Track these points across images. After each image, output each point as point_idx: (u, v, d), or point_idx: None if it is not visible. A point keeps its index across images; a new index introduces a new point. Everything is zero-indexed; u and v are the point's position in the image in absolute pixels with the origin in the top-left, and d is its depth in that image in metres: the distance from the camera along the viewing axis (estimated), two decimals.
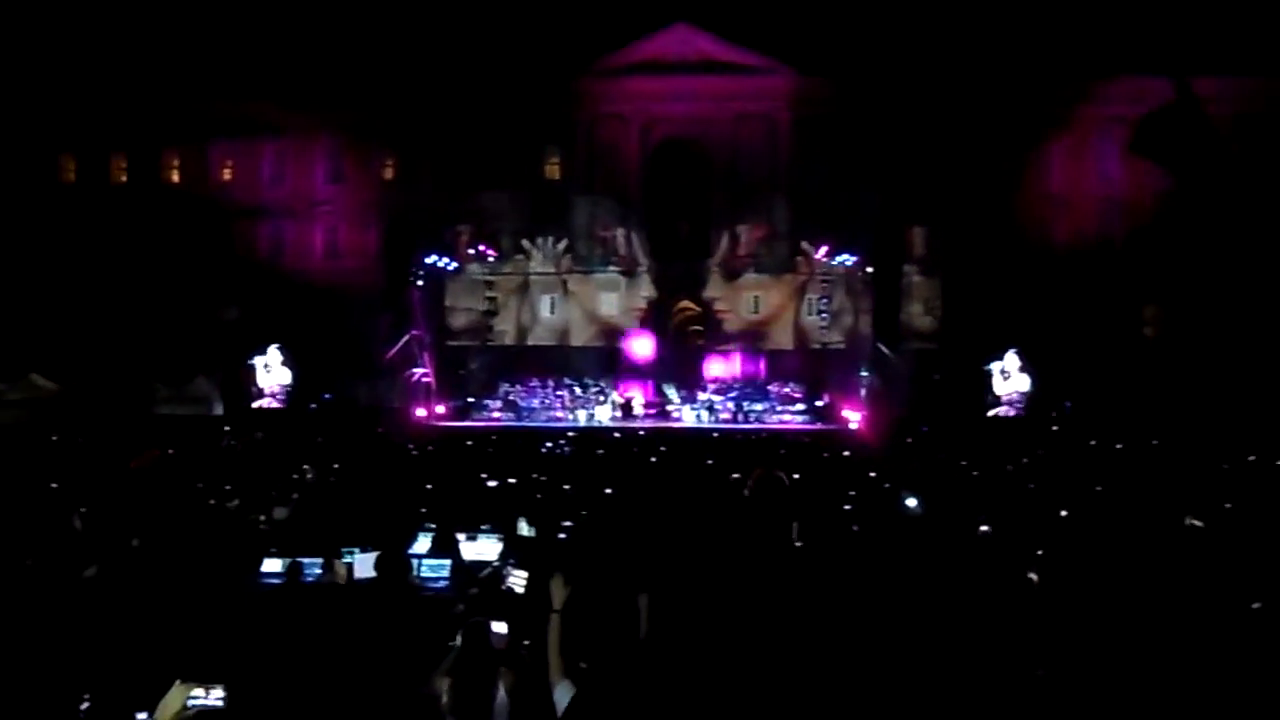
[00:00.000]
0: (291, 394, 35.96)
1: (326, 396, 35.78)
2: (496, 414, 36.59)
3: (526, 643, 5.24)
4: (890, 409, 33.59)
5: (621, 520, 10.73)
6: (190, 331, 37.77)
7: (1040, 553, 8.41)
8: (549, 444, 23.56)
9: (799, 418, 35.69)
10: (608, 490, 13.55)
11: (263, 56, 40.08)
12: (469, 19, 39.94)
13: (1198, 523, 9.83)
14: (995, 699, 4.64)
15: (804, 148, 40.67)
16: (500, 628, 5.38)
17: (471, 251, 39.56)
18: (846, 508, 11.59)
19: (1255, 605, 5.97)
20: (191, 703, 3.15)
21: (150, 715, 3.40)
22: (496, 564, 8.20)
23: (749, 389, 37.76)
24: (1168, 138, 31.87)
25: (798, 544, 7.84)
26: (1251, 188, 36.49)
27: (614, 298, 40.61)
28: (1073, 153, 41.38)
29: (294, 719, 4.36)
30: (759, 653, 4.10)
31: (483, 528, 9.83)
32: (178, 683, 3.25)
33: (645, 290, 40.52)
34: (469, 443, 24.37)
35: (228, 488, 13.06)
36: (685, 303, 41.89)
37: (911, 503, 11.63)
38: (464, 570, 8.77)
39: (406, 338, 36.20)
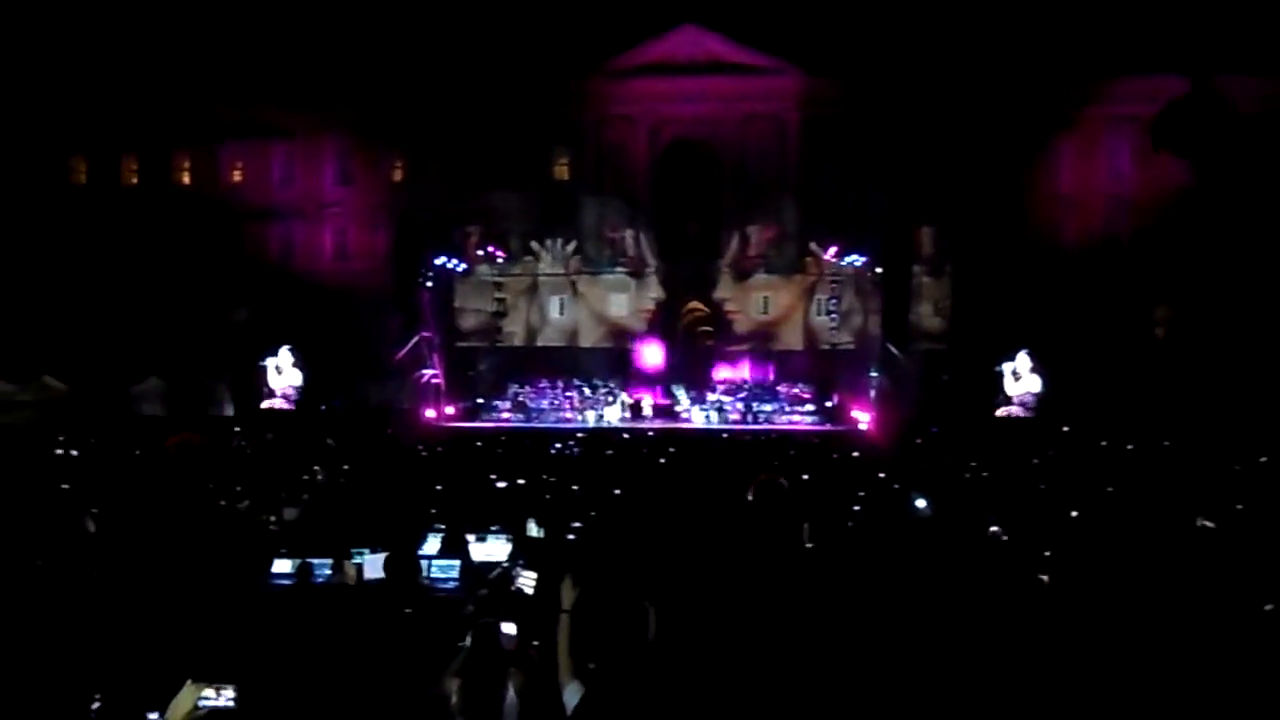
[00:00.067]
0: (302, 395, 36.06)
1: (335, 403, 35.82)
2: (506, 415, 36.63)
3: (536, 643, 5.24)
4: (900, 410, 33.53)
5: (630, 521, 10.72)
6: (200, 333, 37.91)
7: (1050, 554, 8.38)
8: (558, 445, 23.57)
9: (808, 418, 35.65)
10: (617, 491, 13.55)
11: (272, 59, 40.22)
12: (477, 20, 40.01)
13: (1209, 524, 9.79)
14: (1006, 700, 4.62)
15: (813, 148, 40.63)
16: (510, 628, 5.38)
17: (481, 253, 39.62)
18: (856, 509, 11.56)
19: (1268, 607, 5.95)
20: (202, 703, 3.16)
21: (161, 715, 3.41)
22: (506, 565, 8.19)
23: (758, 390, 37.73)
24: (1189, 129, 31.78)
25: (809, 545, 7.82)
26: (1263, 186, 36.35)
27: (623, 299, 40.65)
28: (1082, 152, 41.26)
29: (305, 719, 4.37)
30: (767, 655, 4.09)
31: (492, 529, 9.83)
32: (189, 683, 3.25)
33: (654, 291, 40.54)
34: (478, 444, 24.40)
35: (238, 488, 13.09)
36: (694, 303, 41.89)
37: (921, 504, 11.61)
38: (473, 571, 8.78)
39: (416, 339, 36.27)
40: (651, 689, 3.48)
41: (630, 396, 36.93)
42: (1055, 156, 40.90)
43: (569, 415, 36.26)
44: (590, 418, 35.75)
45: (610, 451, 21.80)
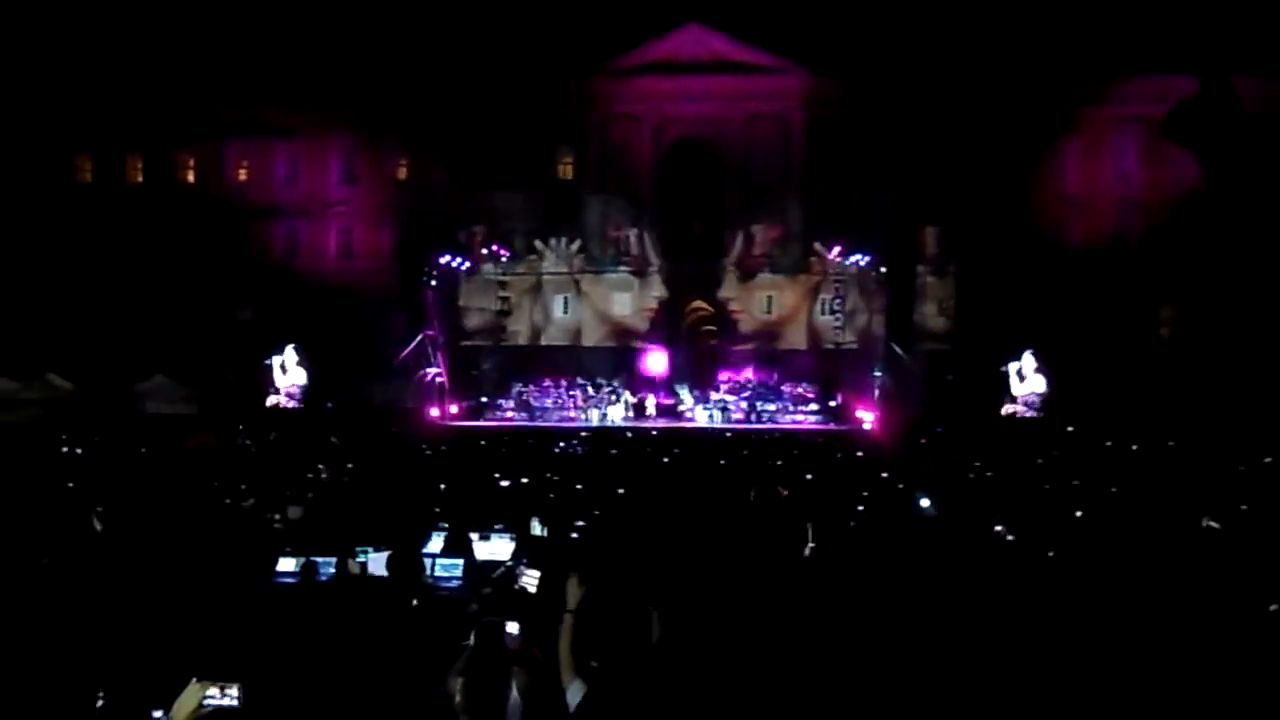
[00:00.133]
0: (307, 394, 36.10)
1: (331, 404, 35.82)
2: (509, 414, 36.64)
3: (540, 643, 5.25)
4: (904, 409, 33.50)
5: (634, 521, 10.73)
6: (205, 331, 37.97)
7: (1055, 554, 8.37)
8: (562, 444, 23.59)
9: (812, 418, 35.63)
10: (620, 490, 13.56)
11: (278, 58, 40.26)
12: (481, 19, 40.02)
13: (1215, 524, 9.77)
14: (1011, 698, 4.62)
15: (817, 148, 40.59)
16: (513, 627, 5.38)
17: (485, 251, 39.63)
18: (860, 509, 11.55)
19: (1272, 607, 5.94)
20: (207, 701, 3.16)
21: (166, 713, 3.41)
22: (509, 563, 8.19)
23: (762, 389, 37.71)
24: (1199, 125, 31.77)
25: (811, 545, 7.81)
26: (1270, 187, 36.27)
27: (626, 298, 40.65)
28: (1088, 152, 41.18)
29: (309, 718, 4.38)
30: (770, 655, 4.10)
31: (496, 527, 9.84)
32: (194, 681, 3.26)
33: (657, 290, 40.54)
34: (482, 442, 24.42)
35: (243, 487, 13.11)
36: (698, 303, 41.88)
37: (925, 503, 11.60)
38: (477, 570, 8.78)
39: (420, 338, 36.30)
40: (653, 689, 3.49)
41: (634, 396, 36.95)
42: (1061, 156, 40.83)
43: (572, 414, 36.27)
44: (594, 417, 35.76)
45: (614, 450, 21.80)
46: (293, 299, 39.15)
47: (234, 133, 42.36)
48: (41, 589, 6.84)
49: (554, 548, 8.98)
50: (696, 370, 39.50)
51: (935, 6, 38.91)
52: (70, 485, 13.56)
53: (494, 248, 39.61)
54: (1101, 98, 39.49)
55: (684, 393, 37.65)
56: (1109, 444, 23.89)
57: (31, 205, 41.33)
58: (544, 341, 40.56)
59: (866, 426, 32.97)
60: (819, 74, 39.99)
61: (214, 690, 3.19)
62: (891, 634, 5.39)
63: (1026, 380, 34.38)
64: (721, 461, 19.06)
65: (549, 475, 15.48)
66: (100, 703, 4.61)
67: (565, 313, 40.76)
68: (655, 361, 39.26)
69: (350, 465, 17.35)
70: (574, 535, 9.78)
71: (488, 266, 39.92)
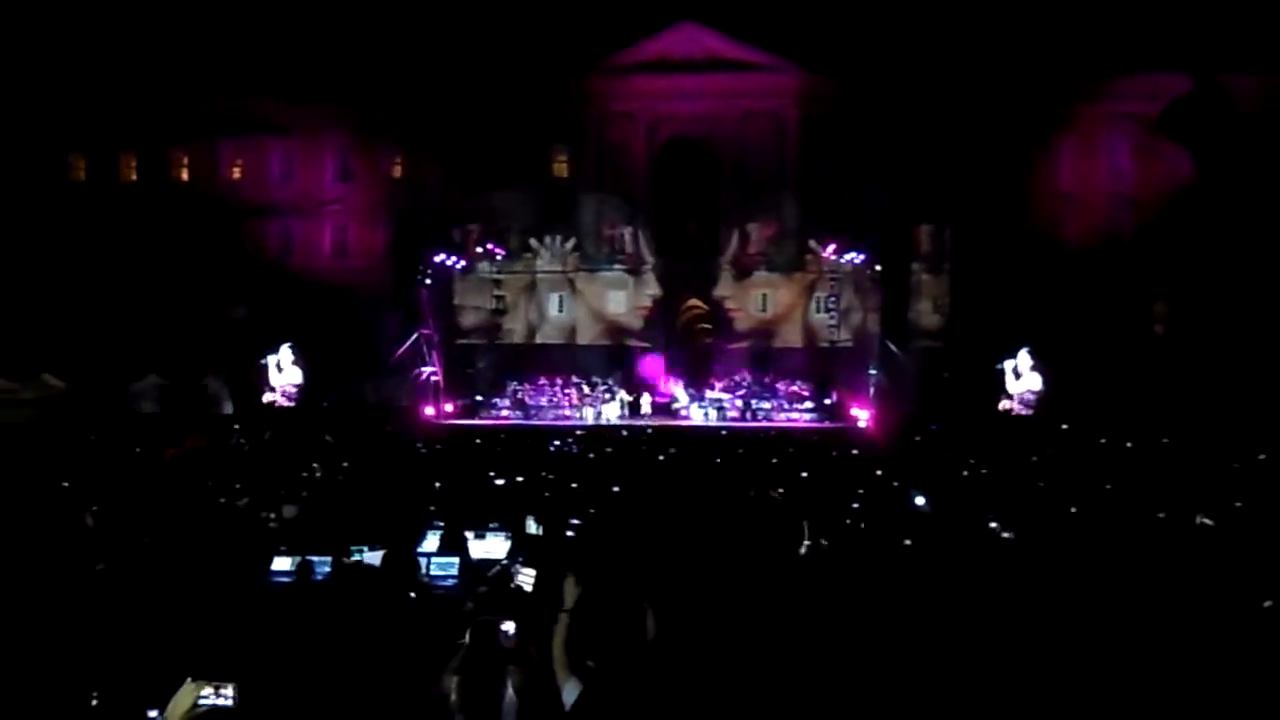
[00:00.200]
0: (303, 393, 36.06)
1: (334, 399, 35.78)
2: (505, 412, 36.64)
3: (535, 642, 5.25)
4: (899, 407, 33.56)
5: (629, 519, 10.73)
6: (199, 330, 37.89)
7: (1049, 551, 8.39)
8: (557, 442, 23.58)
9: (807, 416, 35.67)
10: (616, 488, 13.56)
11: (271, 55, 40.18)
12: (476, 17, 39.96)
13: (1209, 521, 9.80)
14: (1005, 697, 4.63)
15: (812, 146, 40.61)
16: (509, 626, 5.38)
17: (480, 250, 39.61)
18: (855, 506, 11.57)
19: (1267, 604, 5.95)
20: (202, 701, 3.15)
21: (161, 713, 3.41)
22: (505, 562, 8.19)
23: (757, 387, 37.74)
24: (1193, 122, 31.84)
25: (806, 543, 7.82)
26: (1264, 184, 36.35)
27: (621, 296, 40.68)
28: (1082, 150, 41.24)
29: (304, 717, 4.38)
30: (766, 653, 4.10)
31: (491, 526, 9.83)
32: (188, 681, 3.25)
33: (651, 289, 40.57)
34: (477, 441, 24.42)
35: (237, 486, 13.09)
36: (693, 301, 41.90)
37: (920, 501, 11.62)
38: (472, 568, 8.78)
39: (415, 336, 36.29)
40: (649, 688, 3.49)
41: (629, 394, 36.97)
42: (1055, 154, 40.88)
43: (568, 413, 36.28)
44: (589, 415, 35.77)
45: (609, 449, 21.81)
46: (287, 298, 39.09)
47: (228, 131, 42.27)
48: (36, 588, 6.82)
49: (549, 546, 8.98)
50: (691, 368, 39.53)
51: (929, 4, 38.94)
52: (64, 485, 13.52)
53: (489, 246, 39.60)
54: (1095, 95, 39.54)
55: (679, 391, 37.67)
56: (1103, 441, 23.94)
57: (25, 203, 41.21)
58: (539, 340, 40.58)
59: (861, 424, 33.02)
60: (813, 72, 39.99)
61: (208, 690, 3.18)
62: (887, 632, 5.40)
63: (1022, 378, 34.44)
64: (717, 460, 19.07)
65: (544, 474, 15.48)
66: (95, 702, 4.61)
67: (560, 311, 40.78)
68: (654, 367, 39.38)
69: (345, 464, 17.34)
70: (569, 534, 9.77)
71: (483, 265, 39.90)
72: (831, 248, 37.52)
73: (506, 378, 38.69)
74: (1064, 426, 29.19)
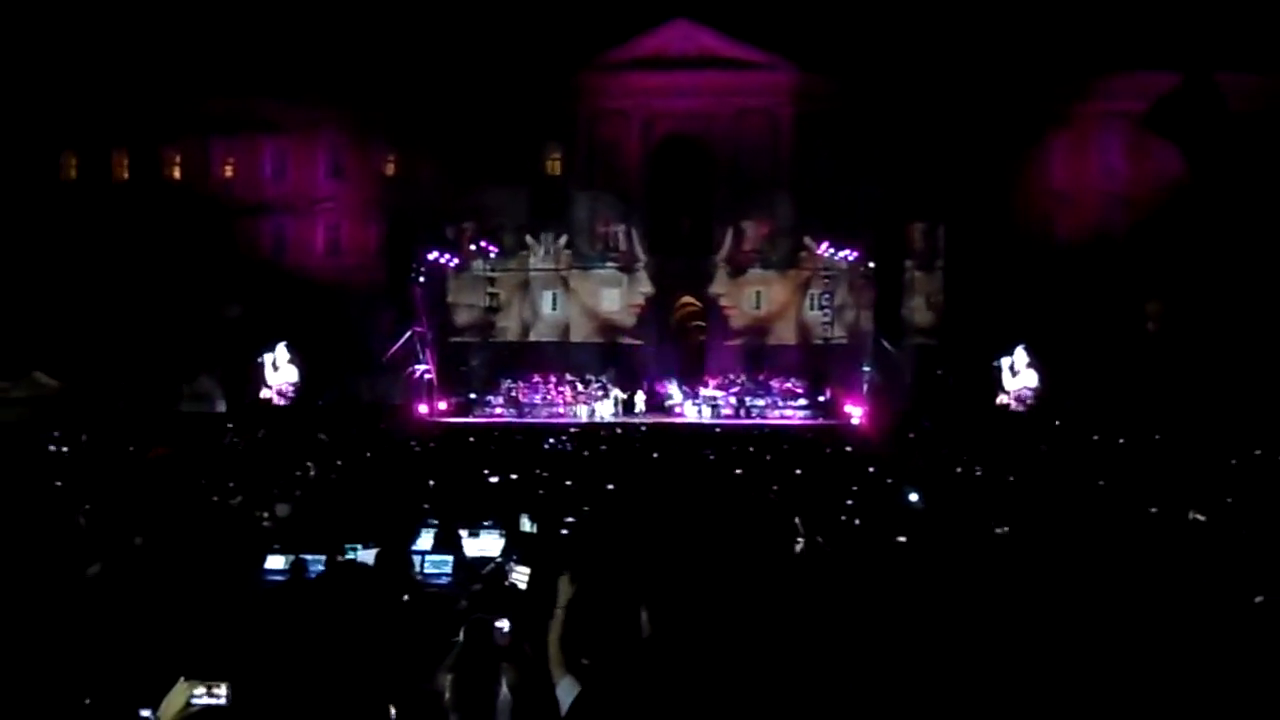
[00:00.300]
0: (299, 391, 36.00)
1: (328, 397, 35.72)
2: (498, 410, 36.63)
3: (529, 639, 5.24)
4: (892, 404, 33.63)
5: (624, 516, 10.73)
6: (193, 329, 37.80)
7: (1042, 547, 8.41)
8: (551, 440, 23.57)
9: (801, 413, 35.72)
10: (610, 486, 13.56)
11: (264, 53, 40.07)
12: (470, 14, 39.90)
13: (1201, 517, 9.83)
14: (997, 694, 4.64)
15: (806, 143, 40.63)
16: (503, 624, 5.38)
17: (474, 248, 39.58)
18: (849, 503, 11.58)
19: (1258, 599, 5.97)
20: (195, 700, 3.15)
21: (154, 712, 3.40)
22: (499, 560, 8.19)
23: (751, 385, 37.78)
24: (1183, 118, 31.91)
25: (800, 540, 7.84)
26: (1255, 182, 36.45)
27: (615, 294, 40.67)
28: (1075, 148, 41.32)
29: (297, 716, 4.37)
30: (761, 652, 4.10)
31: (485, 524, 9.82)
32: (181, 680, 3.25)
33: (645, 286, 40.57)
34: (471, 439, 24.39)
35: (231, 485, 13.06)
36: (687, 299, 41.90)
37: (914, 498, 11.65)
38: (466, 566, 8.77)
39: (409, 334, 36.26)
40: (645, 686, 3.49)
41: (623, 392, 36.99)
42: (1048, 152, 40.96)
43: (561, 410, 36.28)
44: (583, 413, 35.76)
45: (603, 447, 21.80)
46: (280, 296, 39.01)
47: (220, 129, 42.16)
48: (28, 588, 6.80)
49: (543, 544, 8.97)
50: (685, 366, 39.54)
51: (923, 3, 38.97)
52: (57, 484, 13.48)
53: (483, 243, 39.57)
54: (1087, 93, 39.62)
55: (673, 389, 37.69)
56: (1096, 438, 24.00)
57: (17, 202, 41.07)
58: (533, 338, 40.58)
59: (855, 421, 33.08)
60: (807, 69, 40.01)
61: (201, 689, 3.18)
62: (882, 628, 5.41)
63: (1019, 375, 34.53)
64: (710, 457, 19.07)
65: (538, 471, 15.46)
66: (88, 702, 4.60)
67: (553, 309, 40.77)
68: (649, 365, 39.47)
69: (339, 462, 17.31)
70: (563, 531, 9.77)
71: (476, 263, 39.87)
72: (825, 245, 37.54)
73: (500, 375, 38.68)
74: (1057, 423, 29.26)
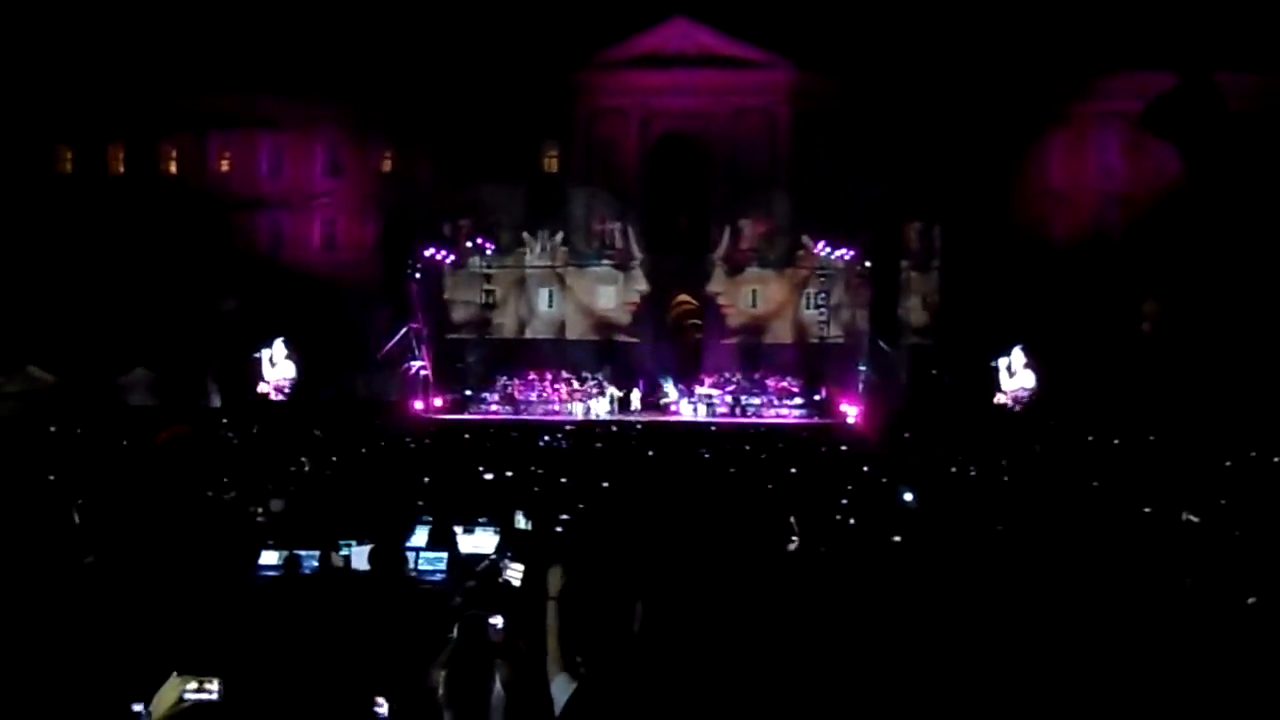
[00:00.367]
0: (296, 387, 35.94)
1: (323, 394, 35.66)
2: (494, 407, 36.61)
3: (523, 635, 5.24)
4: (888, 403, 33.65)
5: (618, 514, 10.74)
6: (188, 323, 37.74)
7: (1036, 547, 8.42)
8: (546, 437, 23.57)
9: (796, 412, 35.74)
10: (605, 484, 13.55)
11: (261, 48, 39.99)
12: (468, 11, 39.86)
13: (1194, 518, 9.84)
14: (992, 693, 4.64)
15: (803, 142, 40.64)
16: (497, 620, 5.38)
17: (470, 244, 39.54)
18: (844, 502, 11.59)
19: (1250, 600, 5.98)
20: (188, 695, 3.13)
21: (146, 708, 3.38)
22: (493, 557, 8.19)
23: (746, 383, 37.79)
24: (1180, 118, 31.94)
25: (794, 539, 7.84)
26: (1252, 183, 36.50)
27: (610, 291, 40.65)
28: (1072, 147, 41.37)
29: (290, 712, 4.36)
30: (756, 651, 4.10)
31: (480, 520, 9.81)
32: (174, 675, 3.24)
33: (640, 284, 40.56)
34: (466, 436, 24.39)
35: (225, 480, 13.04)
36: (683, 297, 41.90)
37: (908, 497, 11.65)
38: (461, 563, 8.77)
39: (405, 331, 36.23)
40: (641, 684, 3.48)
41: (619, 390, 36.99)
42: (1045, 152, 41.01)
43: (557, 408, 36.27)
44: (578, 410, 35.75)
45: (598, 444, 21.81)
46: (276, 291, 38.95)
47: (217, 123, 42.09)
48: (21, 581, 6.79)
49: (538, 541, 8.97)
50: (681, 364, 39.55)
51: (921, 2, 38.98)
52: (51, 478, 13.46)
53: (479, 240, 39.53)
54: (1084, 93, 39.66)
55: (669, 387, 37.69)
56: (1091, 438, 24.03)
57: (11, 196, 40.96)
58: (528, 335, 40.55)
59: (850, 420, 33.10)
60: (805, 68, 40.00)
61: (194, 684, 3.16)
62: (875, 628, 5.41)
63: (1016, 375, 34.55)
64: (706, 455, 19.08)
65: (533, 469, 15.46)
66: (81, 696, 4.59)
67: (549, 306, 40.76)
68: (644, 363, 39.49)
69: (334, 458, 17.29)
70: (558, 529, 9.77)
71: (473, 259, 39.84)
72: (822, 244, 37.56)
73: (496, 372, 38.67)
74: (1051, 424, 29.28)
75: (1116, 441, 23.13)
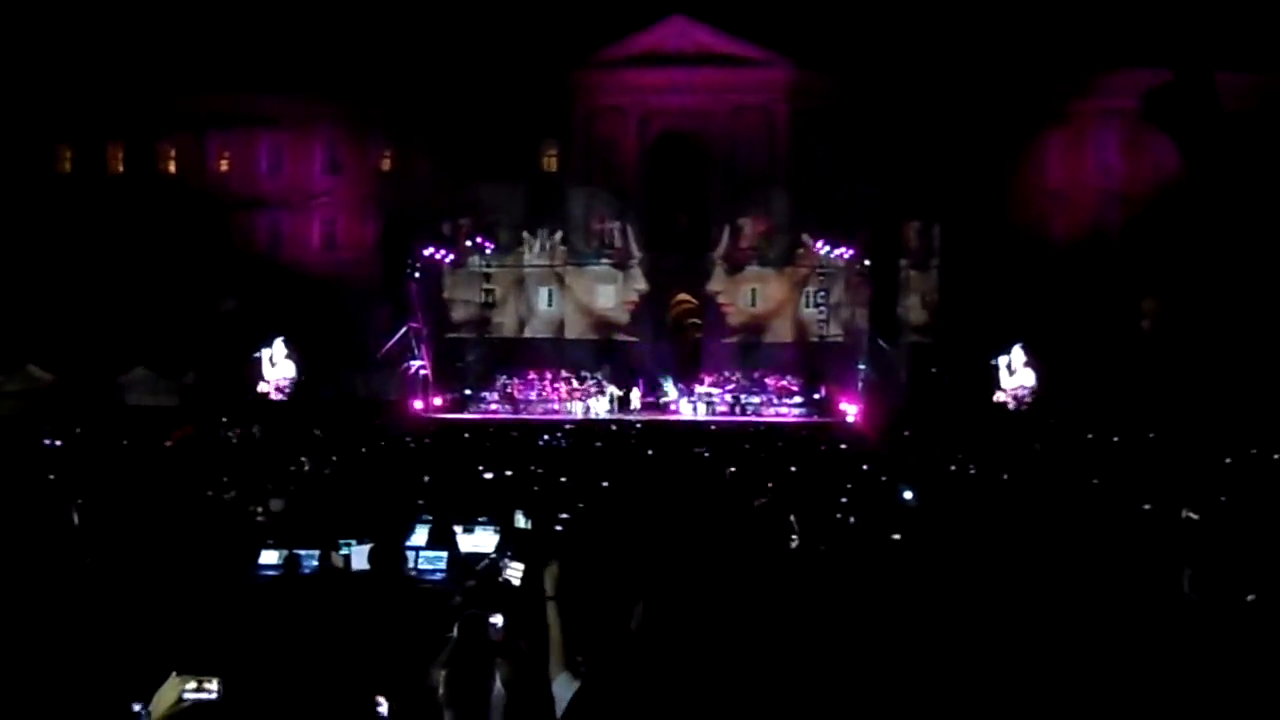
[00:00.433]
0: (296, 387, 35.93)
1: (323, 394, 35.64)
2: (494, 406, 36.60)
3: (523, 635, 5.24)
4: (887, 402, 33.64)
5: (618, 513, 10.74)
6: (187, 323, 37.74)
7: (1033, 545, 8.42)
8: (546, 436, 23.57)
9: (796, 411, 35.73)
10: (604, 483, 13.55)
11: (261, 47, 39.98)
12: (467, 10, 39.85)
13: (1194, 515, 9.84)
14: (992, 692, 4.64)
15: (802, 141, 40.63)
16: (497, 620, 5.38)
17: (470, 244, 39.53)
18: (843, 501, 11.58)
19: (1250, 597, 5.98)
20: (187, 695, 3.13)
21: (145, 707, 3.38)
22: (493, 556, 8.19)
23: (746, 382, 37.78)
24: (1178, 109, 31.92)
25: (795, 538, 7.84)
26: (1250, 181, 36.51)
27: (610, 290, 40.65)
28: (1070, 146, 41.37)
29: (290, 712, 4.36)
30: (757, 650, 4.10)
31: (480, 520, 9.81)
32: (174, 675, 3.23)
33: (639, 283, 40.55)
34: (466, 435, 24.40)
35: (225, 479, 13.04)
36: (682, 296, 41.90)
37: (908, 495, 11.65)
38: (461, 562, 8.77)
39: (404, 330, 36.21)
40: (644, 683, 3.48)
41: (618, 389, 36.98)
42: (1044, 150, 41.01)
43: (556, 407, 36.26)
44: (578, 409, 35.74)
45: (598, 443, 21.81)
46: (276, 291, 38.94)
47: (216, 123, 42.08)
48: (21, 582, 6.79)
49: (538, 540, 8.97)
50: (681, 363, 39.54)
51: (920, 0, 38.97)
52: (51, 477, 13.45)
53: (479, 240, 39.52)
54: (1083, 91, 39.65)
55: (668, 386, 37.68)
56: (1090, 436, 24.04)
57: (11, 195, 40.95)
58: (528, 334, 40.54)
59: (850, 419, 33.09)
60: (804, 67, 39.99)
61: (193, 684, 3.16)
62: (875, 626, 5.41)
63: (1016, 374, 34.55)
64: (705, 454, 19.08)
65: (533, 468, 15.46)
66: (81, 696, 4.59)
67: (549, 305, 40.75)
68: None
69: (334, 458, 17.29)
70: (558, 528, 9.77)
71: (472, 259, 39.82)
72: (821, 243, 37.56)
73: (496, 372, 38.66)
74: (1051, 422, 29.29)
75: (1116, 439, 23.13)
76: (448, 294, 40.05)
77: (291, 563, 8.25)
